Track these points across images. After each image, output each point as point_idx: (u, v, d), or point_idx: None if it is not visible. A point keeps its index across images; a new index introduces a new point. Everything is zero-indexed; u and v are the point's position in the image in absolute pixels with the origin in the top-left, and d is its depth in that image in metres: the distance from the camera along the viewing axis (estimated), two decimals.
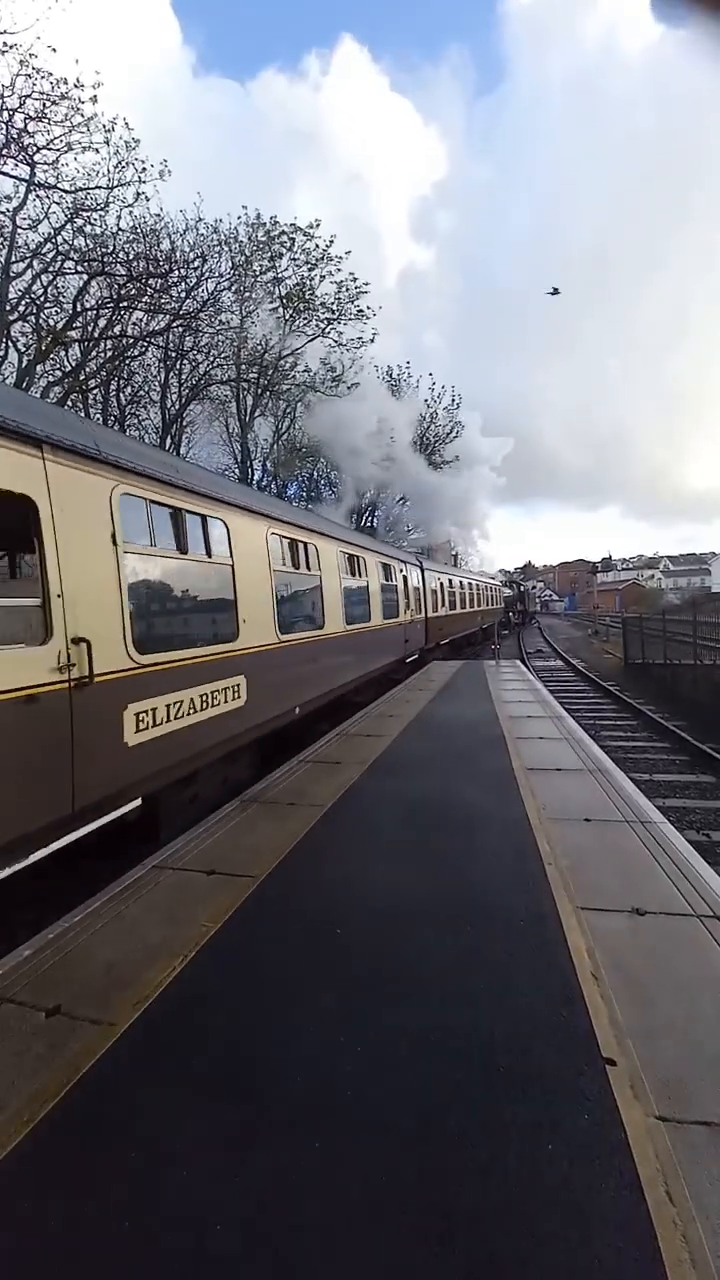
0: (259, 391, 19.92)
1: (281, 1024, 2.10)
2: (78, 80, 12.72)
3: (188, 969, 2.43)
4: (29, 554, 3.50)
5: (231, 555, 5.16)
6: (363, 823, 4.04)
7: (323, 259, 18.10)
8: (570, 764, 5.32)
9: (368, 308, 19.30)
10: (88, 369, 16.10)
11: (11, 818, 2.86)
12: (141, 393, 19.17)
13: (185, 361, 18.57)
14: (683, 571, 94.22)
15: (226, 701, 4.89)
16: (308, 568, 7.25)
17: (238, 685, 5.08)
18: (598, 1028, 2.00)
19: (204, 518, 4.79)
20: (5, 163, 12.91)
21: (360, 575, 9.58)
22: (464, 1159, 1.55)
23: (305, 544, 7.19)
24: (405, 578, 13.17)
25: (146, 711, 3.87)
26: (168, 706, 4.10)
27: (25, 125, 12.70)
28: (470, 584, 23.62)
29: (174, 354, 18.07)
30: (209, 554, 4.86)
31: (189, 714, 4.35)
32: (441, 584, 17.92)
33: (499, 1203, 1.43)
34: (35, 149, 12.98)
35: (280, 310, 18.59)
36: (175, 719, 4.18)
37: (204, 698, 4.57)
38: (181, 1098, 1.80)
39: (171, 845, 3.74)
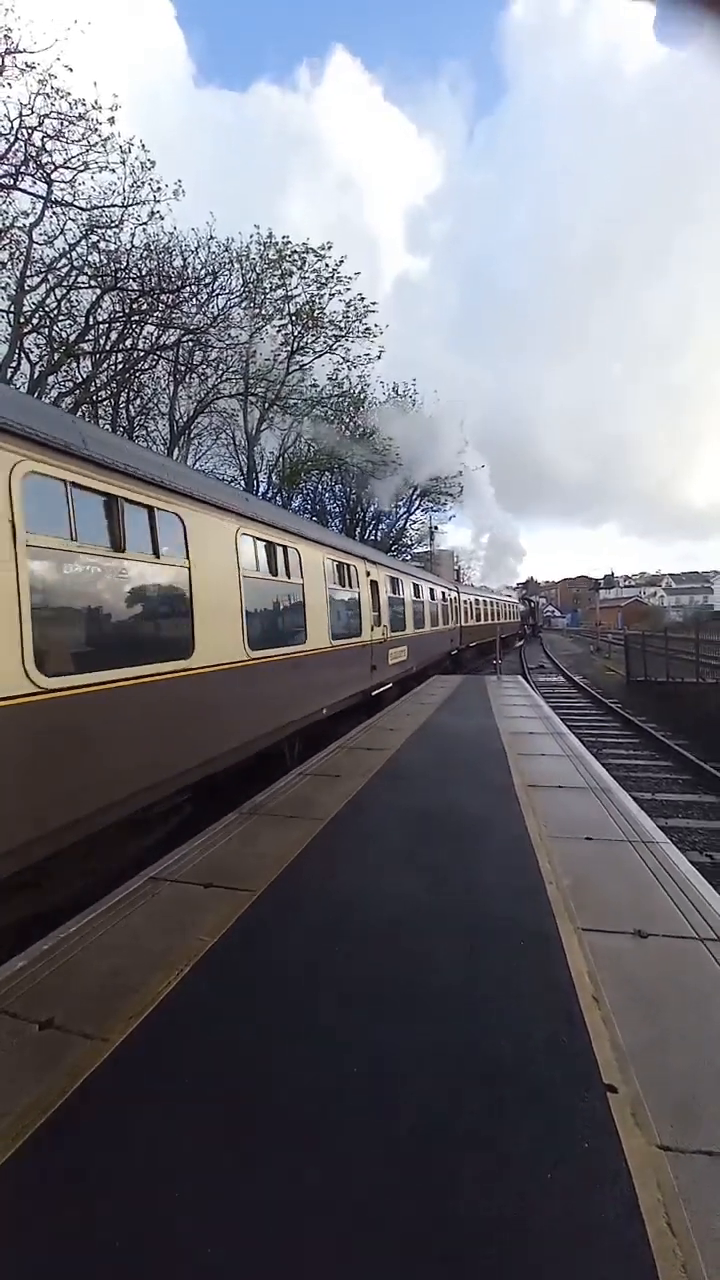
0: (266, 405, 20.15)
1: (279, 1040, 2.07)
2: (95, 102, 13.06)
3: (184, 983, 2.41)
4: (355, 592, 9.20)
5: (403, 594, 12.46)
6: (363, 838, 4.01)
7: (332, 278, 18.41)
8: (572, 781, 5.29)
9: (374, 325, 19.61)
10: (98, 381, 16.32)
11: (370, 680, 9.57)
12: (150, 405, 19.40)
13: (194, 375, 18.82)
14: (685, 589, 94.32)
15: (401, 657, 11.81)
16: (418, 596, 14.40)
17: (405, 650, 12.14)
18: (599, 1052, 1.97)
19: (399, 580, 12.15)
20: (23, 180, 13.22)
21: (434, 599, 16.59)
22: (463, 1185, 1.52)
23: (416, 584, 14.36)
24: (451, 599, 19.90)
25: (391, 653, 10.99)
26: (391, 652, 10.96)
27: (43, 144, 13.03)
28: (491, 601, 29.78)
29: (183, 367, 18.32)
30: (396, 593, 11.79)
31: (396, 660, 11.31)
32: (470, 601, 23.91)
33: (497, 1230, 1.40)
34: (53, 167, 13.30)
35: (289, 326, 18.87)
36: (393, 661, 11.09)
37: (398, 652, 11.51)
38: (176, 1114, 1.77)
39: (170, 856, 3.72)
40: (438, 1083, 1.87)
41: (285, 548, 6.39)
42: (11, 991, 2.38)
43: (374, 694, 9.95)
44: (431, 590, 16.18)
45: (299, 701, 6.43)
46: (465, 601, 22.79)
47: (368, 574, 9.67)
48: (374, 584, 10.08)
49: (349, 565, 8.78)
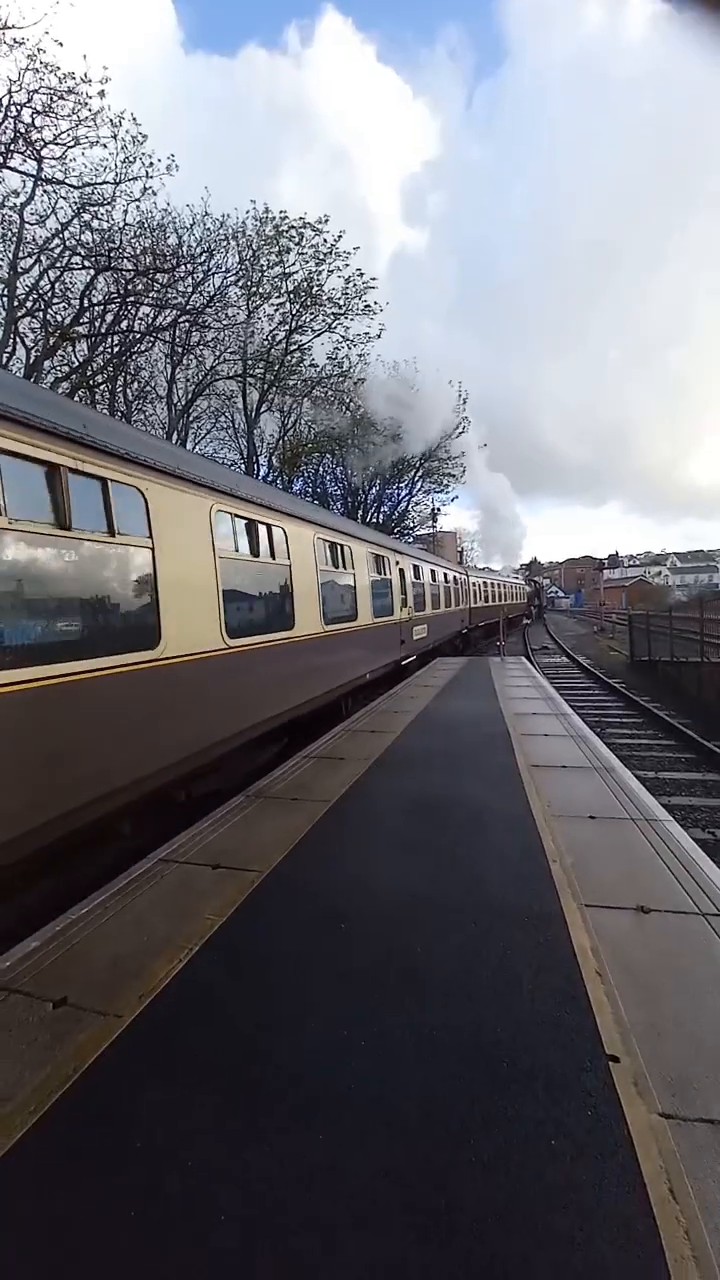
0: (265, 387, 19.89)
1: (286, 1018, 2.11)
2: (85, 75, 12.72)
3: (193, 962, 2.45)
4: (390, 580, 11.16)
5: (423, 579, 13.98)
6: (367, 818, 4.05)
7: (330, 253, 18.04)
8: (575, 761, 5.30)
9: (374, 303, 19.26)
10: (94, 364, 16.12)
11: (400, 652, 11.44)
12: (148, 388, 19.18)
13: (191, 356, 18.57)
14: (690, 569, 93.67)
15: (423, 634, 13.60)
16: (434, 580, 15.70)
17: (426, 627, 14.00)
18: (601, 1025, 2.00)
19: (420, 567, 13.92)
20: (13, 158, 12.92)
21: (448, 583, 18.20)
22: (467, 1155, 1.55)
23: (433, 569, 15.88)
24: (461, 582, 21.15)
25: (415, 629, 12.85)
26: (415, 629, 12.81)
27: (33, 120, 12.71)
28: (499, 583, 31.20)
29: (180, 348, 18.07)
30: (418, 579, 13.52)
31: (419, 636, 13.11)
32: (478, 584, 24.96)
33: (501, 1200, 1.43)
34: (42, 144, 12.99)
35: (288, 305, 18.55)
36: (416, 637, 12.87)
37: (420, 629, 13.32)
38: (186, 1090, 1.81)
39: (177, 839, 3.76)
40: (442, 1053, 1.90)
41: (342, 545, 8.25)
42: (25, 971, 2.43)
43: (402, 664, 11.78)
44: (445, 574, 17.89)
45: (352, 666, 8.40)
46: (474, 584, 23.71)
47: (396, 563, 11.56)
48: (401, 571, 11.86)
49: (384, 557, 10.70)
